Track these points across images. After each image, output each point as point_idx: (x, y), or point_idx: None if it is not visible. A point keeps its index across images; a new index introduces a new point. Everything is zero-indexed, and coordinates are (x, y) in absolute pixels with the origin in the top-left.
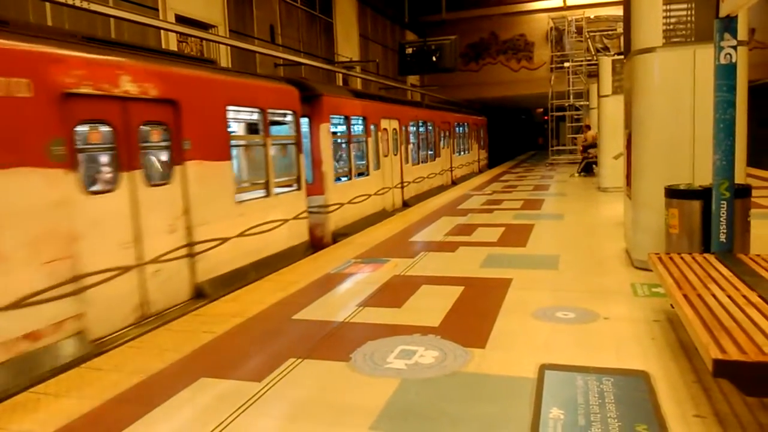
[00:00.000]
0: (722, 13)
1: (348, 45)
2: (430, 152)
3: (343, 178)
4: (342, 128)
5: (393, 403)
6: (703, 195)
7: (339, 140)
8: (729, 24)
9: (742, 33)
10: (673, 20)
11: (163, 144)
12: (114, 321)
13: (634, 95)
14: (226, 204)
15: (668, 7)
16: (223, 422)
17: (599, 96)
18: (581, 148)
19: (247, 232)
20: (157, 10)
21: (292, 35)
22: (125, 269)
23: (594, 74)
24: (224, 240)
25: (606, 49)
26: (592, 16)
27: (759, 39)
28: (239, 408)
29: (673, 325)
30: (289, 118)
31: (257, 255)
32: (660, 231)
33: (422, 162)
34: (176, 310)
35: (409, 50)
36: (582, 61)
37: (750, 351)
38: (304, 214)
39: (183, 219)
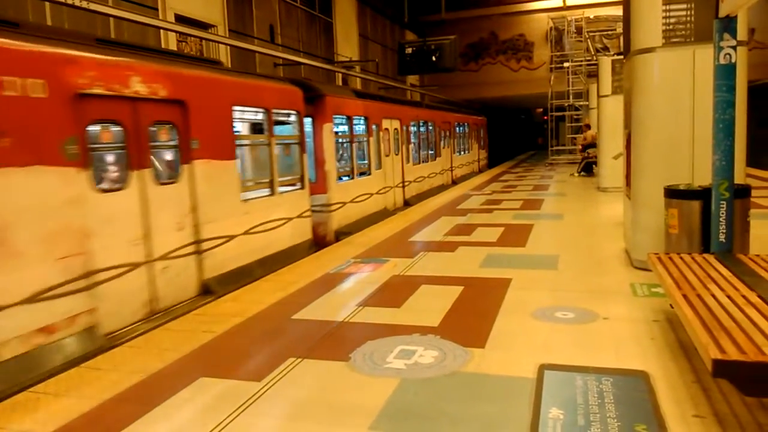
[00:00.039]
0: (722, 13)
1: (347, 45)
2: (430, 152)
3: (346, 178)
4: (344, 128)
5: (392, 403)
6: (702, 195)
7: (341, 140)
8: (728, 24)
9: (742, 33)
10: (672, 20)
11: (172, 143)
12: (124, 316)
13: (633, 95)
14: (232, 202)
15: (668, 7)
16: (222, 422)
17: (599, 96)
18: (580, 147)
19: (253, 230)
20: (157, 9)
21: (291, 35)
22: (135, 266)
23: (593, 74)
24: (230, 237)
25: (606, 49)
26: (591, 16)
27: (758, 39)
28: (239, 408)
29: (673, 325)
30: (292, 118)
31: (262, 252)
32: (659, 231)
33: (423, 161)
34: (184, 306)
35: (409, 50)
36: (582, 61)
37: (749, 351)
38: (308, 213)
39: (190, 217)
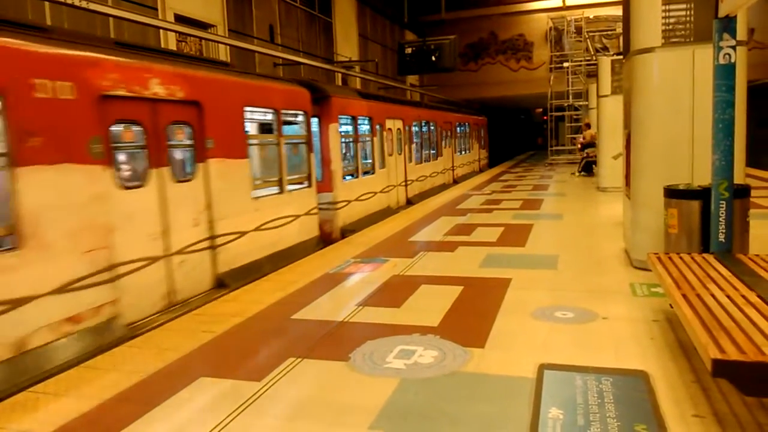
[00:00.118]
0: (721, 13)
1: (347, 45)
2: (432, 151)
3: (351, 177)
4: (349, 128)
5: (392, 403)
6: (702, 195)
7: (346, 139)
8: (728, 24)
9: (741, 33)
10: (672, 20)
11: (188, 143)
12: (144, 307)
13: (633, 95)
14: (243, 200)
15: (667, 7)
16: (222, 422)
17: (598, 96)
18: (579, 146)
19: (263, 227)
20: (157, 9)
21: (291, 35)
22: (154, 259)
23: (593, 74)
24: (242, 234)
25: (605, 49)
26: (591, 16)
27: (758, 39)
28: (239, 407)
29: (672, 325)
30: (300, 118)
31: (272, 248)
32: (659, 231)
33: (425, 161)
34: (199, 298)
35: (409, 50)
36: (581, 61)
37: (749, 351)
38: (315, 211)
39: (205, 213)
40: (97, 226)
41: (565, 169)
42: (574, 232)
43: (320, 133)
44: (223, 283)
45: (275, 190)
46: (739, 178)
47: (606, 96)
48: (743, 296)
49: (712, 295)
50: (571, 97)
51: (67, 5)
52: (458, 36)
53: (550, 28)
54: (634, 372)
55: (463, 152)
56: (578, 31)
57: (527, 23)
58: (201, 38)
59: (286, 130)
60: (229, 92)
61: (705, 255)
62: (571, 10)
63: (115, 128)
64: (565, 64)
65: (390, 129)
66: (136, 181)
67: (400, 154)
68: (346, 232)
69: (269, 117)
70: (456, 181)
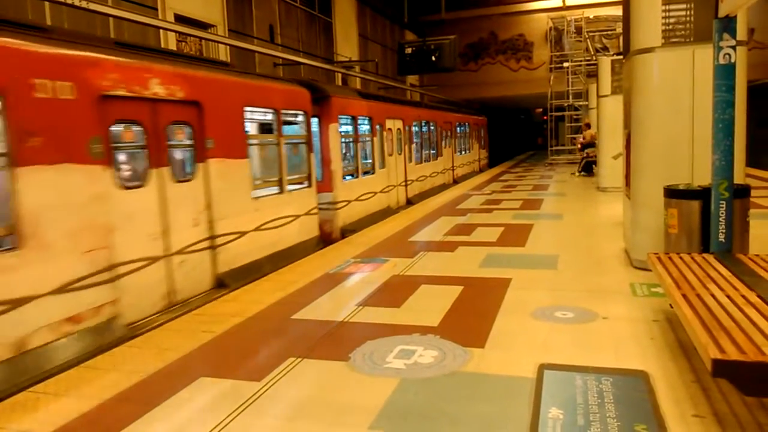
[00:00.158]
0: (721, 13)
1: (347, 45)
2: (432, 151)
3: (350, 177)
4: (349, 128)
5: (392, 403)
6: (702, 195)
7: (346, 139)
8: (728, 24)
9: (741, 33)
10: (672, 20)
11: (188, 142)
12: (144, 307)
13: (633, 95)
14: (243, 200)
15: (667, 7)
16: (222, 422)
17: (598, 96)
18: (579, 146)
19: (263, 227)
20: (157, 9)
21: (291, 35)
22: (154, 259)
23: (593, 74)
24: (242, 234)
25: (605, 49)
26: (591, 16)
27: (758, 39)
28: (238, 407)
29: (672, 325)
30: (300, 118)
31: (272, 248)
32: (659, 231)
33: (425, 161)
34: (199, 298)
35: (409, 50)
36: (581, 61)
37: (749, 351)
38: (315, 211)
39: (205, 213)
40: (97, 226)
41: (565, 169)
42: (574, 232)
43: (320, 133)
44: (223, 283)
45: (275, 190)
46: (739, 178)
47: (606, 96)
48: (743, 296)
49: (712, 295)
50: (571, 97)
51: (67, 5)
52: (458, 36)
53: (550, 28)
54: (634, 372)
55: (463, 152)
56: (578, 31)
57: (527, 23)
58: (201, 38)
59: (286, 130)
60: (229, 92)
61: (705, 255)
62: (571, 10)
63: (115, 128)
64: (565, 64)
65: (390, 129)
66: (136, 181)
67: (400, 154)
68: (346, 232)
69: (269, 117)
70: (456, 181)
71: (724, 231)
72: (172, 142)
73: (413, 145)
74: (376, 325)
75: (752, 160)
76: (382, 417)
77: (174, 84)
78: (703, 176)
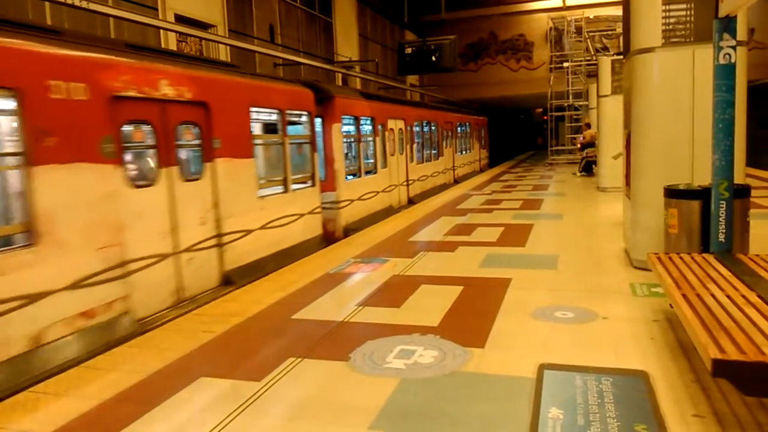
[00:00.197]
0: (721, 13)
1: (347, 45)
2: (433, 151)
3: (353, 176)
4: (352, 128)
5: (392, 403)
6: (702, 195)
7: (349, 139)
8: (728, 24)
9: (742, 33)
10: (672, 20)
11: (196, 142)
12: (154, 303)
13: (633, 95)
14: (249, 198)
15: (667, 7)
16: (222, 422)
17: (598, 96)
18: (578, 146)
19: (268, 225)
20: (157, 9)
21: (291, 35)
22: (164, 256)
23: (593, 74)
24: (248, 232)
25: (605, 49)
26: (591, 16)
27: (758, 39)
28: (239, 407)
29: (672, 325)
30: (304, 118)
31: (277, 246)
32: (659, 231)
33: (426, 161)
34: (207, 295)
35: (409, 50)
36: (581, 61)
37: (749, 351)
38: (318, 210)
39: (212, 212)
40: (108, 223)
41: (564, 169)
42: (574, 232)
43: (323, 133)
44: (230, 280)
45: (280, 189)
46: (739, 178)
47: (606, 96)
48: (743, 296)
49: (712, 295)
50: (571, 97)
51: (68, 5)
52: (458, 36)
53: (550, 28)
54: (634, 372)
55: (464, 152)
56: (578, 31)
57: (527, 23)
58: (201, 38)
59: (291, 130)
60: (235, 93)
61: (705, 255)
62: (571, 10)
63: (126, 128)
64: (565, 64)
65: (392, 129)
66: (146, 180)
67: (401, 153)
68: (349, 230)
69: (274, 117)
70: (457, 181)
71: (724, 231)
72: (180, 142)
73: (415, 145)
74: (376, 325)
75: (752, 160)
76: (382, 417)
77: (182, 85)
78: (703, 176)
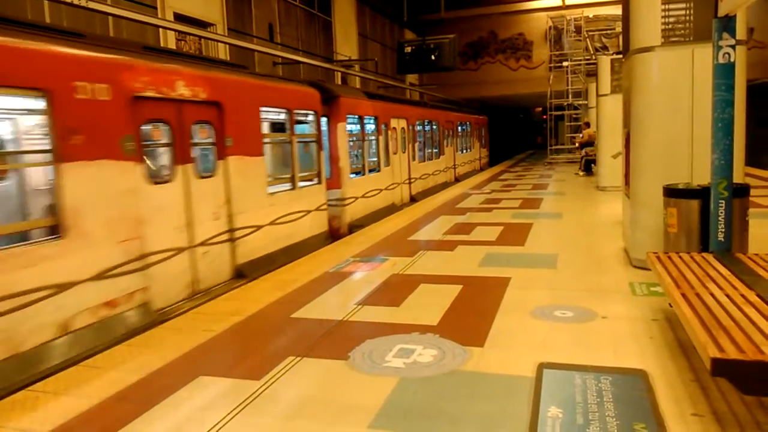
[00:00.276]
0: (721, 13)
1: (347, 43)
2: (435, 150)
3: (357, 174)
4: (356, 127)
5: (392, 402)
6: (701, 194)
7: (353, 138)
8: (728, 23)
9: (741, 32)
10: (671, 19)
11: (210, 141)
12: (171, 295)
13: (632, 94)
14: (259, 195)
15: (667, 6)
16: (221, 421)
17: (598, 95)
18: (578, 145)
19: (277, 221)
20: (156, 8)
21: (290, 34)
22: (180, 250)
23: (593, 73)
24: (258, 227)
25: (605, 48)
26: (590, 16)
27: (757, 38)
28: (238, 406)
29: (672, 324)
30: (310, 117)
31: (286, 242)
32: (658, 230)
33: (428, 159)
34: (220, 287)
35: (408, 49)
36: (581, 60)
37: (748, 350)
38: (324, 206)
39: (225, 207)
40: (129, 218)
41: (564, 168)
42: (573, 232)
43: (329, 132)
44: (242, 274)
45: (288, 186)
46: (738, 178)
47: (605, 95)
48: (742, 295)
49: (712, 295)
50: (570, 96)
51: (67, 4)
52: (458, 35)
53: (550, 28)
54: (633, 371)
55: (465, 151)
56: (578, 30)
57: (527, 22)
58: (200, 37)
59: (298, 129)
60: (246, 93)
61: (704, 254)
62: (570, 9)
63: (145, 127)
64: (565, 64)
65: (395, 128)
66: (164, 176)
67: (404, 152)
68: (353, 227)
69: (282, 117)
70: (457, 179)
71: (723, 230)
72: (195, 141)
73: (416, 144)
74: (376, 324)
75: (752, 160)
76: (382, 416)
77: (197, 86)
78: (702, 175)
